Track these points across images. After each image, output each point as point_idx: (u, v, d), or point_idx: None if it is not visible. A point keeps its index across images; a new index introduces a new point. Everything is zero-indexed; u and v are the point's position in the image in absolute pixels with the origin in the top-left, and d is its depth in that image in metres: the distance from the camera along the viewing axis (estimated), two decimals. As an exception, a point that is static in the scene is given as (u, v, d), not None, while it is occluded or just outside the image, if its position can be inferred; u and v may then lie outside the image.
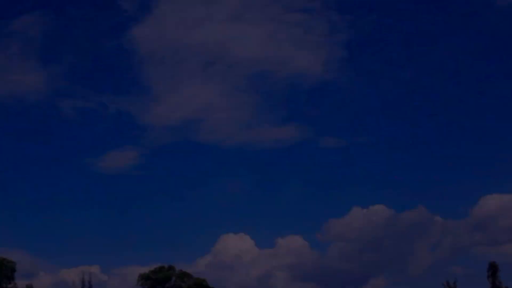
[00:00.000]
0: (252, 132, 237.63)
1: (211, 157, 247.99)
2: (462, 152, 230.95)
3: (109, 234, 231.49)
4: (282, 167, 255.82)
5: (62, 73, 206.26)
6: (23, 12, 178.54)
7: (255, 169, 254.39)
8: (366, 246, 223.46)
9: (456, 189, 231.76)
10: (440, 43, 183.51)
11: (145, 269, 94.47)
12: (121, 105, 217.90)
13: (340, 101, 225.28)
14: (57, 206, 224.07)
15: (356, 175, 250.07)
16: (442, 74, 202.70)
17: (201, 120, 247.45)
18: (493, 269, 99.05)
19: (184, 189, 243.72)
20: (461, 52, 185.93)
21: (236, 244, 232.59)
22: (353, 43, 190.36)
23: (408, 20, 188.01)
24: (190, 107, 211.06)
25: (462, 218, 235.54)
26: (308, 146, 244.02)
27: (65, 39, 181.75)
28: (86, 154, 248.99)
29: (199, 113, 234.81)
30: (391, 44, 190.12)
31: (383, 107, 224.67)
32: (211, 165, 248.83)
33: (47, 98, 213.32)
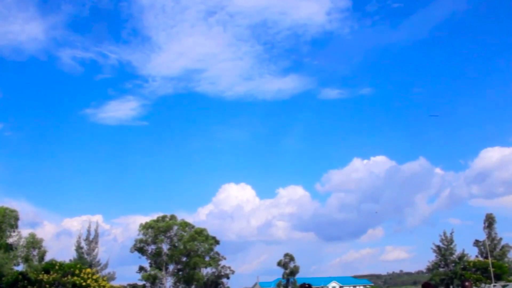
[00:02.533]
0: (253, 83, 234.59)
1: (212, 107, 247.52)
2: (465, 105, 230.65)
3: (111, 184, 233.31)
4: (284, 118, 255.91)
5: (61, 23, 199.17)
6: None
7: (256, 120, 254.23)
8: (366, 197, 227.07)
9: (458, 141, 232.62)
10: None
11: (147, 219, 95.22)
12: (122, 55, 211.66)
13: (343, 52, 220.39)
14: (59, 157, 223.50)
15: (358, 127, 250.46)
16: (444, 28, 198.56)
17: (202, 71, 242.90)
18: (489, 220, 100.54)
19: (185, 139, 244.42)
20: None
21: (237, 194, 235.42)
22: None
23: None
24: (191, 57, 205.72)
25: (462, 171, 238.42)
26: (309, 97, 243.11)
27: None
28: (86, 105, 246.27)
29: (200, 63, 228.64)
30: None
31: (385, 58, 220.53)
32: (212, 115, 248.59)
33: (46, 49, 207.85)
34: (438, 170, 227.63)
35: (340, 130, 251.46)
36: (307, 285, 8.32)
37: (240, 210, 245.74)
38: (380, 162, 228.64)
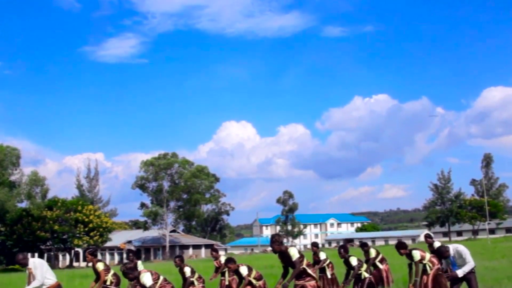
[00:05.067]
0: (254, 20, 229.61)
1: (213, 45, 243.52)
2: (469, 43, 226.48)
3: (112, 122, 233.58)
4: (285, 55, 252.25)
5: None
6: None
7: (257, 57, 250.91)
8: (366, 135, 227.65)
9: (461, 80, 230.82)
10: None
11: (148, 156, 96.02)
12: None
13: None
14: (60, 95, 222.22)
15: (360, 65, 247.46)
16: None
17: (202, 7, 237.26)
18: (487, 160, 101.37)
19: (186, 77, 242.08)
20: None
21: (237, 132, 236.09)
22: None
23: None
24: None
25: (463, 110, 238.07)
26: (311, 34, 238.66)
27: None
28: (85, 43, 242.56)
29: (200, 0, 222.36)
30: None
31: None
32: (212, 53, 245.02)
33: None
34: (439, 109, 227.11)
35: (341, 68, 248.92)
36: (276, 237, 8.40)
37: (240, 148, 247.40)
38: (381, 101, 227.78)
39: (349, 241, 16.22)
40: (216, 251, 14.56)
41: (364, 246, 14.88)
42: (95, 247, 11.52)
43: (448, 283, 9.76)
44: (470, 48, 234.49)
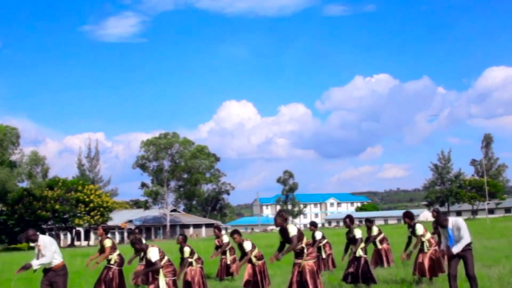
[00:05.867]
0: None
1: (213, 24, 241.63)
2: (473, 21, 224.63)
3: (113, 102, 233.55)
4: (285, 35, 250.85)
5: None
6: None
7: (257, 37, 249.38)
8: (367, 115, 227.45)
9: (463, 59, 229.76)
10: None
11: (148, 136, 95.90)
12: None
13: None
14: (60, 75, 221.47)
15: (361, 44, 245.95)
16: None
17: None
18: (487, 140, 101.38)
19: (186, 56, 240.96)
20: None
21: (238, 111, 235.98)
22: None
23: None
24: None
25: (465, 90, 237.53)
26: (312, 13, 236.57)
27: None
28: (84, 22, 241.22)
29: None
30: None
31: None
32: (212, 32, 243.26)
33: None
34: (440, 89, 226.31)
35: (342, 47, 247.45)
36: (282, 212, 8.54)
37: (241, 128, 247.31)
38: (383, 80, 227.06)
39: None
40: (219, 229, 14.61)
41: (368, 221, 14.92)
42: (108, 225, 11.69)
43: (445, 262, 9.82)
44: (473, 27, 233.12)
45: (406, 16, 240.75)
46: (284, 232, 8.47)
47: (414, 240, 11.29)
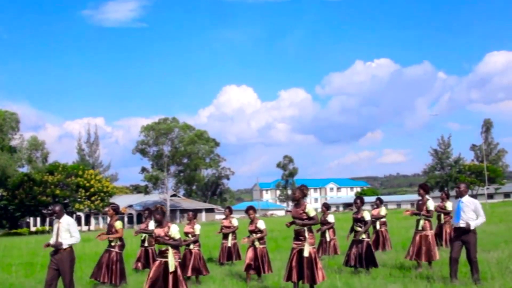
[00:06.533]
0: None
1: (213, 8, 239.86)
2: (472, 6, 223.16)
3: (112, 87, 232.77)
4: (285, 19, 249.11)
5: None
6: None
7: (257, 21, 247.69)
8: (367, 100, 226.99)
9: (464, 43, 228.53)
10: None
11: (148, 121, 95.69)
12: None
13: None
14: (60, 60, 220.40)
15: (361, 28, 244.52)
16: None
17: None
18: (487, 125, 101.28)
19: (186, 41, 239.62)
20: None
21: (238, 97, 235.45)
22: None
23: None
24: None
25: (465, 75, 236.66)
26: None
27: None
28: (84, 6, 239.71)
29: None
30: None
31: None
32: (212, 16, 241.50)
33: None
34: (441, 74, 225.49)
35: (342, 32, 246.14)
36: (303, 187, 8.70)
37: (241, 113, 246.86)
38: (383, 65, 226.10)
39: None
40: (231, 211, 14.61)
41: (379, 200, 14.97)
42: (117, 204, 11.74)
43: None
44: (473, 12, 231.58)
45: (407, 0, 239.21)
46: (298, 207, 8.67)
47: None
